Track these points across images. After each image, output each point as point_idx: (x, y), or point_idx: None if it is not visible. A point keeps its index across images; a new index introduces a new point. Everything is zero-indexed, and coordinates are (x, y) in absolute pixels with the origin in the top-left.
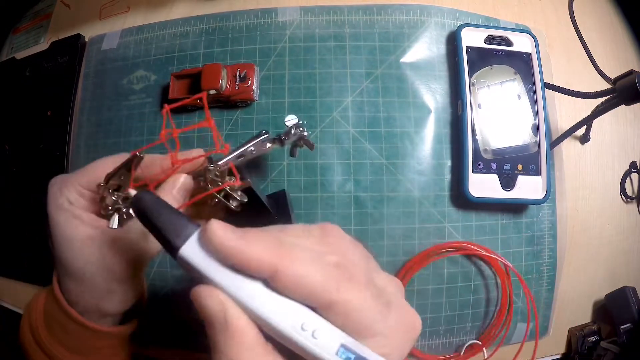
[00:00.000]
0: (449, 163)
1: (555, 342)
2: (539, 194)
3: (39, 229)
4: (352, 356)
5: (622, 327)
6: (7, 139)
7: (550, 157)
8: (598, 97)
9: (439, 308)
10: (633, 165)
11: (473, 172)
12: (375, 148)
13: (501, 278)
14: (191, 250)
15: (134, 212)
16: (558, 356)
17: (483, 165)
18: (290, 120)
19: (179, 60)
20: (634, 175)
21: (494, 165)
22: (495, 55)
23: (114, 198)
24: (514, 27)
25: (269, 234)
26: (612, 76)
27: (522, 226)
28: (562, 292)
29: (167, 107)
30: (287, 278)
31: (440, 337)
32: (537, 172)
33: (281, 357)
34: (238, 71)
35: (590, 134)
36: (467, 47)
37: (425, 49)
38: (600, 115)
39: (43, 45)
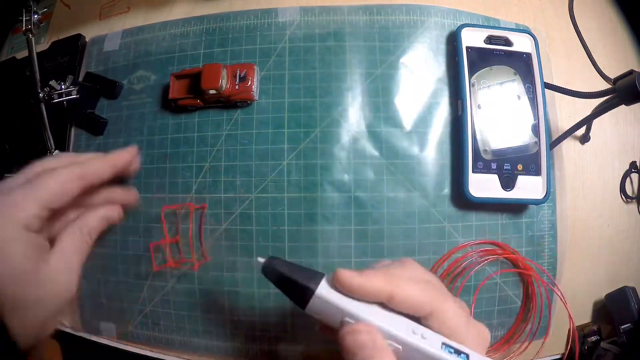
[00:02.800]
0: (449, 163)
1: (555, 342)
2: (539, 194)
3: None
4: (452, 349)
5: (622, 327)
6: (7, 139)
7: (550, 157)
8: (598, 97)
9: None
10: (633, 165)
11: (473, 172)
12: (375, 148)
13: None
14: (325, 290)
15: (268, 276)
16: (558, 356)
17: (483, 165)
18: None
19: (179, 61)
20: (634, 175)
21: (494, 165)
22: (495, 56)
23: None
24: (514, 27)
25: (379, 271)
26: (612, 76)
27: (522, 226)
28: (562, 292)
29: None
30: (400, 298)
31: None
32: (537, 172)
33: None
34: (238, 71)
35: (590, 134)
36: (467, 47)
37: (425, 48)
38: (600, 115)
39: (43, 45)
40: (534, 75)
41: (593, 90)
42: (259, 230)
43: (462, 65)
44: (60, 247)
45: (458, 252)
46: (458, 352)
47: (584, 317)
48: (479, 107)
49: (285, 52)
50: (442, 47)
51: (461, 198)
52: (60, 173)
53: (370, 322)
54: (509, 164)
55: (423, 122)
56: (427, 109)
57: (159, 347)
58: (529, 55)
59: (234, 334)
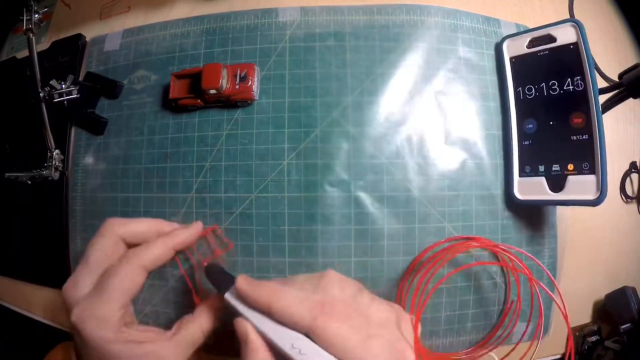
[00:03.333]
0: (448, 163)
1: (555, 342)
2: (592, 195)
3: (39, 228)
4: None
5: (622, 327)
6: (7, 139)
7: (605, 153)
8: (605, 93)
9: (439, 308)
10: (633, 165)
11: (520, 176)
12: (375, 148)
13: (510, 273)
14: (229, 296)
15: (205, 275)
16: (558, 356)
17: (530, 168)
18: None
19: (179, 60)
20: (634, 175)
21: (541, 168)
22: (541, 56)
23: None
24: (515, 27)
25: (271, 283)
26: (613, 76)
27: (522, 226)
28: (562, 292)
29: None
30: (276, 310)
31: (441, 337)
32: (592, 171)
33: None
34: (238, 71)
35: None
36: (511, 58)
37: (426, 48)
38: (608, 110)
39: (44, 45)
40: (582, 65)
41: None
42: (259, 230)
43: (506, 78)
44: (171, 344)
45: (430, 251)
46: None
47: (584, 317)
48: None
49: (286, 52)
50: (443, 46)
51: (509, 201)
52: (156, 246)
53: (251, 321)
54: (558, 165)
55: (422, 122)
56: (427, 109)
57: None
58: (575, 45)
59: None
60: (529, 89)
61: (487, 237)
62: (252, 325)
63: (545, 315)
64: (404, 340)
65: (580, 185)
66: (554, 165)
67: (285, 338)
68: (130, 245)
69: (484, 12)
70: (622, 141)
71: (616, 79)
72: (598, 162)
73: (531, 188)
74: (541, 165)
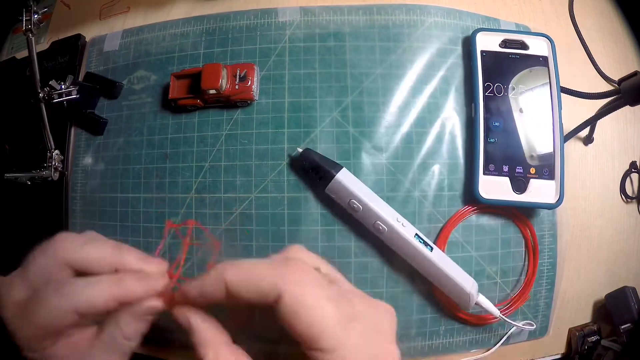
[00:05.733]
0: (449, 163)
1: (555, 342)
2: (552, 199)
3: (39, 229)
4: (422, 240)
5: (622, 327)
6: (7, 139)
7: (563, 161)
8: (602, 98)
9: None
10: (633, 165)
11: (484, 174)
12: (375, 148)
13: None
14: (342, 177)
15: (304, 162)
16: (558, 356)
17: (494, 167)
18: None
19: (179, 61)
20: (634, 175)
21: (505, 168)
22: (511, 59)
23: None
24: (514, 27)
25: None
26: (612, 75)
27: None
28: (562, 292)
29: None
30: (233, 279)
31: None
32: (551, 176)
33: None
34: (238, 71)
35: (593, 135)
36: (482, 51)
37: (426, 48)
38: (605, 116)
39: (43, 45)
40: (550, 79)
41: (594, 91)
42: (259, 230)
43: (476, 69)
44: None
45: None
46: (426, 244)
47: (584, 317)
48: (491, 110)
49: (285, 52)
50: (443, 46)
51: (470, 199)
52: (97, 290)
53: (370, 206)
54: (521, 167)
55: (423, 122)
56: (426, 108)
57: (159, 347)
58: (545, 58)
59: (234, 334)
60: (498, 88)
61: (487, 237)
62: (362, 202)
63: (545, 315)
64: (388, 332)
65: (541, 188)
66: (517, 167)
67: (389, 214)
68: (78, 272)
69: (484, 12)
70: (622, 141)
71: (615, 78)
72: (557, 169)
73: (494, 187)
74: (505, 165)
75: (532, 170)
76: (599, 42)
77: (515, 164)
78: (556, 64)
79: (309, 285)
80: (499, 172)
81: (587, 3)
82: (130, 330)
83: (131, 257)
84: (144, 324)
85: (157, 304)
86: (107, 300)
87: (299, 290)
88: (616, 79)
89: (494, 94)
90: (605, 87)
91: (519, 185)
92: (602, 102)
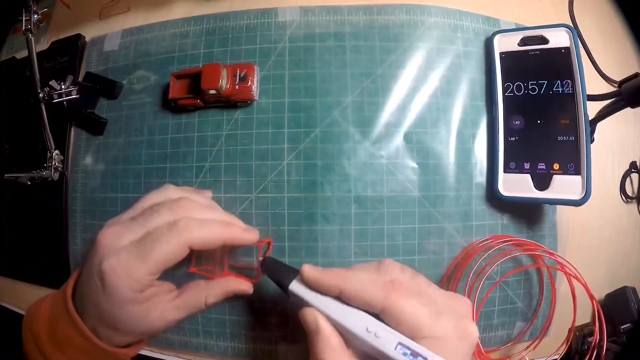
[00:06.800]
0: (449, 163)
1: (555, 342)
2: (577, 195)
3: (38, 229)
4: (408, 351)
5: (622, 327)
6: (7, 139)
7: (590, 156)
8: (603, 100)
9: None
10: (633, 165)
11: (504, 172)
12: (375, 148)
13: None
14: (295, 286)
15: (262, 269)
16: (558, 356)
17: (515, 165)
18: None
19: (179, 60)
20: (634, 175)
21: (527, 165)
22: (531, 56)
23: None
24: (514, 26)
25: (336, 269)
26: (612, 76)
27: (522, 227)
28: (562, 292)
29: None
30: (348, 292)
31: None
32: (577, 171)
33: (356, 358)
34: (238, 71)
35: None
36: (502, 53)
37: (426, 48)
38: (606, 117)
39: (43, 45)
40: (572, 70)
41: (593, 91)
42: (259, 230)
43: (494, 71)
44: (173, 306)
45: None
46: (415, 355)
47: (584, 317)
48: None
49: (285, 52)
50: (443, 46)
51: (493, 197)
52: (211, 230)
53: (320, 309)
54: (544, 164)
55: (423, 122)
56: (428, 109)
57: (159, 347)
58: (567, 49)
59: (234, 334)
60: (518, 87)
61: (487, 236)
62: (322, 313)
63: (544, 315)
64: (468, 319)
65: (565, 185)
66: (539, 164)
67: (358, 322)
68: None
69: (484, 12)
70: (622, 141)
71: (616, 79)
72: (584, 164)
73: (516, 185)
74: (527, 162)
75: (556, 166)
76: (599, 42)
77: (538, 161)
78: (579, 53)
79: (406, 298)
80: (520, 170)
81: (587, 3)
82: (212, 301)
83: (236, 224)
84: (224, 302)
85: (248, 289)
86: (217, 240)
87: (398, 305)
88: (616, 79)
89: (514, 93)
90: (606, 87)
91: (542, 182)
92: (603, 103)
